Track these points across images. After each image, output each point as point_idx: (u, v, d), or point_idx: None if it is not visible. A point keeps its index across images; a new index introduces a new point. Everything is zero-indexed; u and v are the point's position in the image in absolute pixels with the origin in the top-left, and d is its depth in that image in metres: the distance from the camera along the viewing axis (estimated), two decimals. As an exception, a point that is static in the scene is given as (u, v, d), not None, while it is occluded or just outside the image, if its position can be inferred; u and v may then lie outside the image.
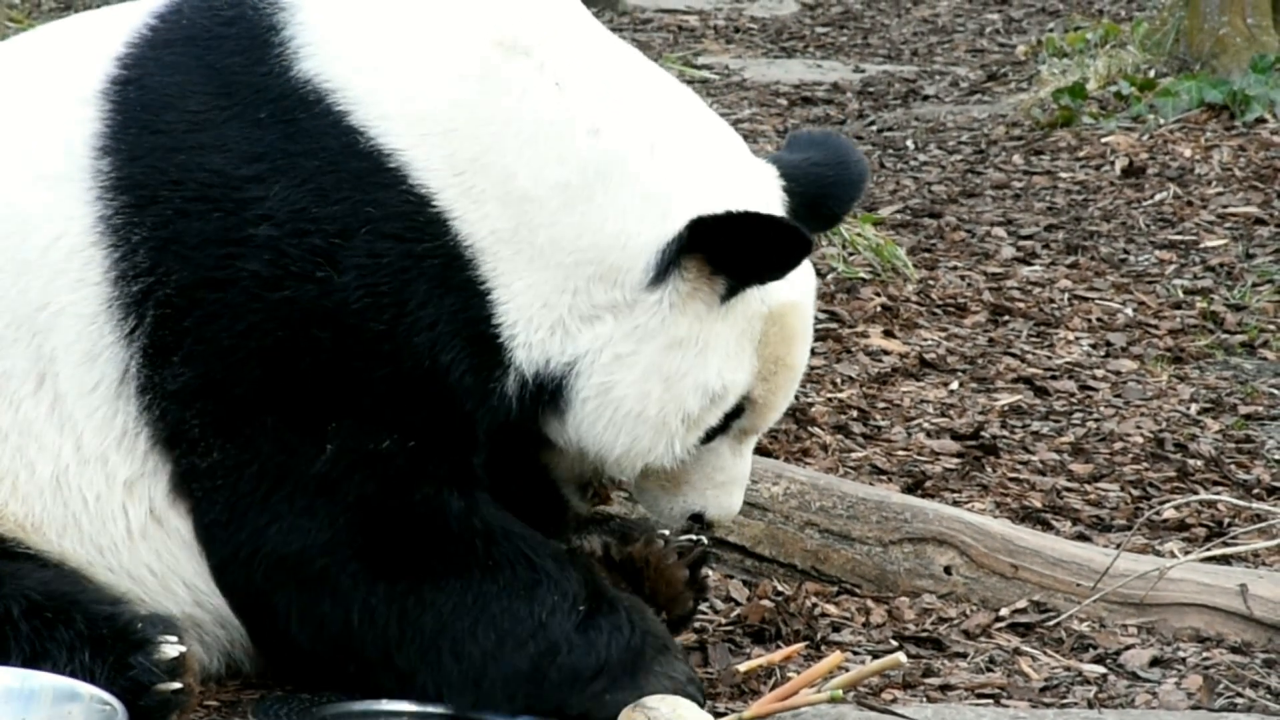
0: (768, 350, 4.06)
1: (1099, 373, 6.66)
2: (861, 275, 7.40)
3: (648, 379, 3.97)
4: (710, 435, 4.08)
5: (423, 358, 3.90)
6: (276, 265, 3.87)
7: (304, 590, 3.94)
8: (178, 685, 3.78)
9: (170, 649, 3.81)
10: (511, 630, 3.92)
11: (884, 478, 5.59)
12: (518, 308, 3.94)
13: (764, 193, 4.08)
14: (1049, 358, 6.78)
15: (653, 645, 3.97)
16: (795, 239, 3.89)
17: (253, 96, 3.93)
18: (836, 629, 4.62)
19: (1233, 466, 5.86)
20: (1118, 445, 5.98)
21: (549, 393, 3.98)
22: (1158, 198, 8.84)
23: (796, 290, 4.08)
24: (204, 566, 3.99)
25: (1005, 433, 6.05)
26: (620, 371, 3.96)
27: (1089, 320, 7.19)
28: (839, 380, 6.39)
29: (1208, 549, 5.08)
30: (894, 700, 4.21)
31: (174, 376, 3.91)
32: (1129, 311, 7.33)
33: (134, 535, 3.99)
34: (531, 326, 3.95)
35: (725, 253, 3.91)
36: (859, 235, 7.59)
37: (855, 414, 6.09)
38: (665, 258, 3.90)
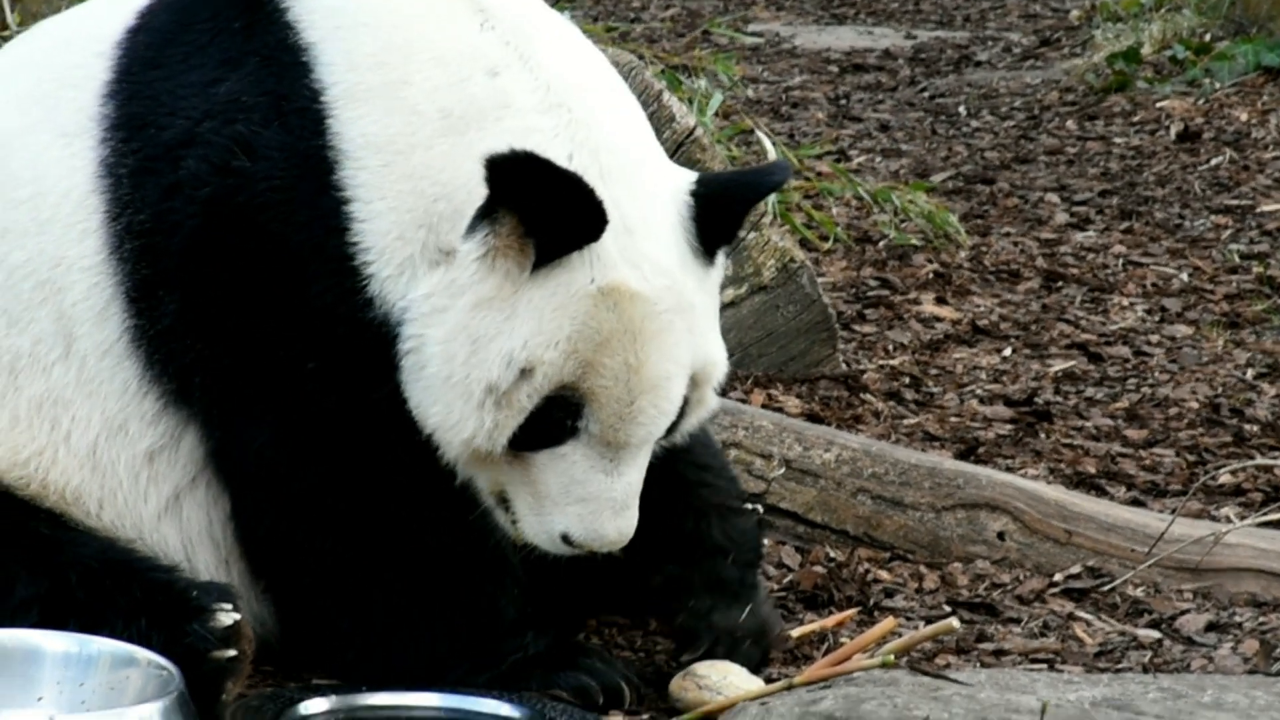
0: (614, 346, 3.76)
1: (1154, 338, 6.64)
2: (914, 242, 7.39)
3: (454, 338, 3.74)
4: (540, 430, 3.78)
5: (301, 263, 3.83)
6: (205, 160, 3.88)
7: (284, 497, 3.93)
8: (232, 653, 3.79)
9: (225, 617, 3.82)
10: (449, 618, 3.94)
11: (936, 444, 5.58)
12: (375, 231, 3.81)
13: (653, 180, 3.86)
14: (1103, 323, 6.76)
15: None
16: (586, 200, 3.66)
17: (232, 12, 3.98)
18: (889, 595, 4.62)
19: (1288, 431, 5.84)
20: (1173, 410, 5.96)
21: (389, 340, 3.81)
22: (1213, 162, 8.79)
23: (644, 282, 3.78)
24: (218, 557, 4.03)
25: (1059, 399, 6.03)
26: (433, 326, 3.76)
27: (1143, 286, 7.16)
28: (891, 347, 6.39)
29: (1264, 514, 5.06)
30: (947, 665, 4.21)
31: (162, 313, 3.92)
32: (1184, 276, 7.30)
33: (160, 517, 4.01)
34: (384, 258, 3.81)
35: (527, 206, 3.68)
36: (910, 202, 7.57)
37: (907, 380, 6.08)
38: (480, 207, 3.74)
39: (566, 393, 3.77)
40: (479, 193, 3.73)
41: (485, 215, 3.73)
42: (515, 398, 3.75)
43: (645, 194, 3.84)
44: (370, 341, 3.82)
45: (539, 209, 3.68)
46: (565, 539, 3.84)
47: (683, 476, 4.13)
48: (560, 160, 3.73)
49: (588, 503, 3.82)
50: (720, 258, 3.95)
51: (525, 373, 3.74)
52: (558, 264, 3.74)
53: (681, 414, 3.90)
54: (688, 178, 3.93)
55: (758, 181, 4.00)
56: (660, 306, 3.79)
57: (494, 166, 3.66)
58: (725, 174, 4.10)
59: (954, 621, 3.94)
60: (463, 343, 3.75)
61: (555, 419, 3.78)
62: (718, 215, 3.90)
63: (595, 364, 3.77)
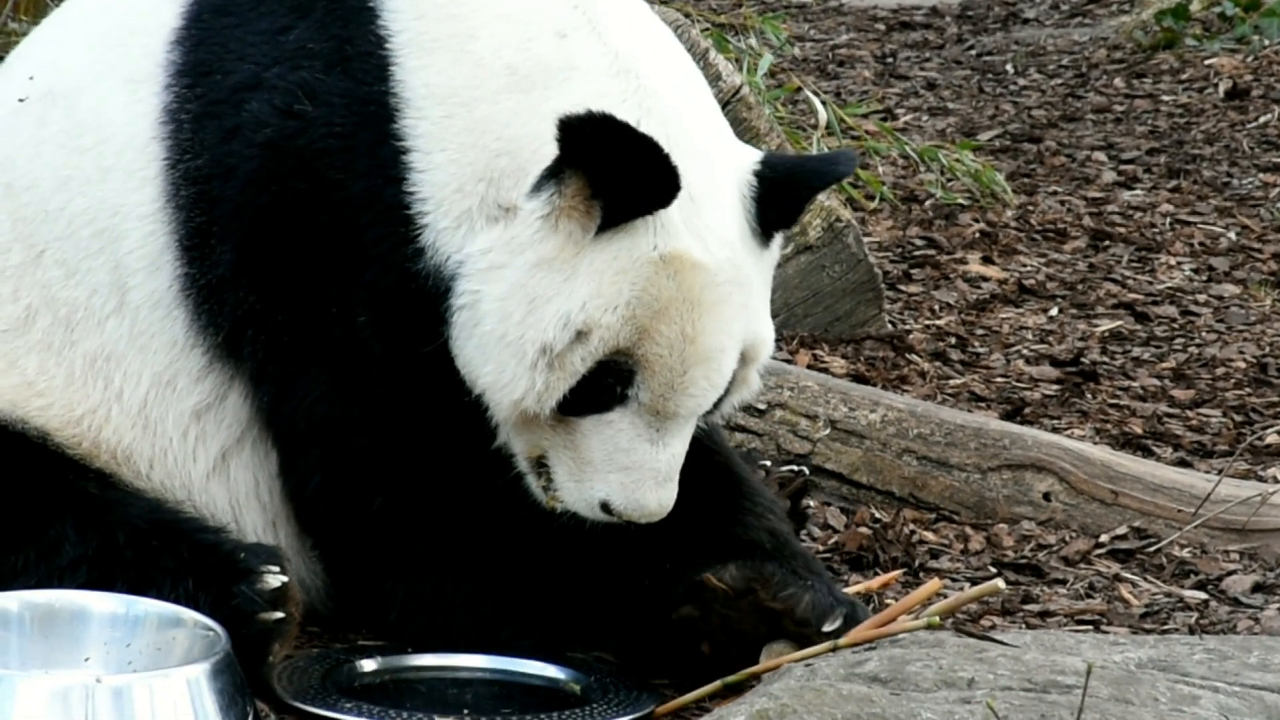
0: (671, 314, 3.73)
1: (1201, 298, 6.61)
2: (960, 201, 7.37)
3: (511, 297, 3.72)
4: (590, 395, 3.75)
5: (356, 211, 3.82)
6: (268, 103, 3.88)
7: (334, 458, 3.94)
8: (280, 615, 3.79)
9: (273, 579, 3.83)
10: (496, 581, 3.94)
11: (982, 405, 5.57)
12: (434, 182, 3.80)
13: (718, 154, 3.84)
14: (1150, 283, 6.74)
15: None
16: (662, 165, 3.63)
17: None
18: (935, 556, 4.62)
19: (1337, 391, 5.82)
20: (1219, 370, 5.94)
21: (440, 294, 3.79)
22: (1262, 120, 8.74)
23: (707, 252, 3.75)
24: (265, 519, 4.04)
25: (1105, 359, 6.02)
26: (490, 283, 3.74)
27: (1191, 245, 7.13)
28: (937, 307, 6.37)
29: (1311, 474, 5.05)
30: (993, 627, 4.21)
31: (215, 262, 3.92)
32: (1232, 235, 7.26)
33: (208, 478, 4.02)
34: (441, 209, 3.79)
35: (597, 168, 3.65)
36: (957, 161, 7.55)
37: (953, 341, 6.07)
38: (548, 166, 3.71)
39: (620, 358, 3.75)
40: (544, 151, 3.71)
41: (552, 175, 3.71)
42: (568, 360, 3.72)
43: (711, 166, 3.82)
44: (421, 294, 3.80)
45: (611, 171, 3.65)
46: (605, 507, 3.81)
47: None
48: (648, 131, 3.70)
49: (631, 471, 3.80)
50: (777, 240, 3.93)
51: (581, 335, 3.71)
52: (622, 228, 3.71)
53: (726, 390, 3.88)
54: (752, 156, 3.91)
55: (824, 170, 3.96)
56: (720, 278, 3.77)
57: (567, 127, 3.63)
58: (791, 158, 4.06)
59: (999, 582, 3.91)
60: (519, 301, 3.72)
61: (606, 385, 3.76)
62: (780, 199, 3.87)
63: (651, 331, 3.74)
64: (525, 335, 3.72)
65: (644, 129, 3.70)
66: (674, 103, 3.83)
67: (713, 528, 3.96)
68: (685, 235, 3.74)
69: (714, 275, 3.76)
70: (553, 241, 3.72)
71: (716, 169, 3.83)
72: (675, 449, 3.82)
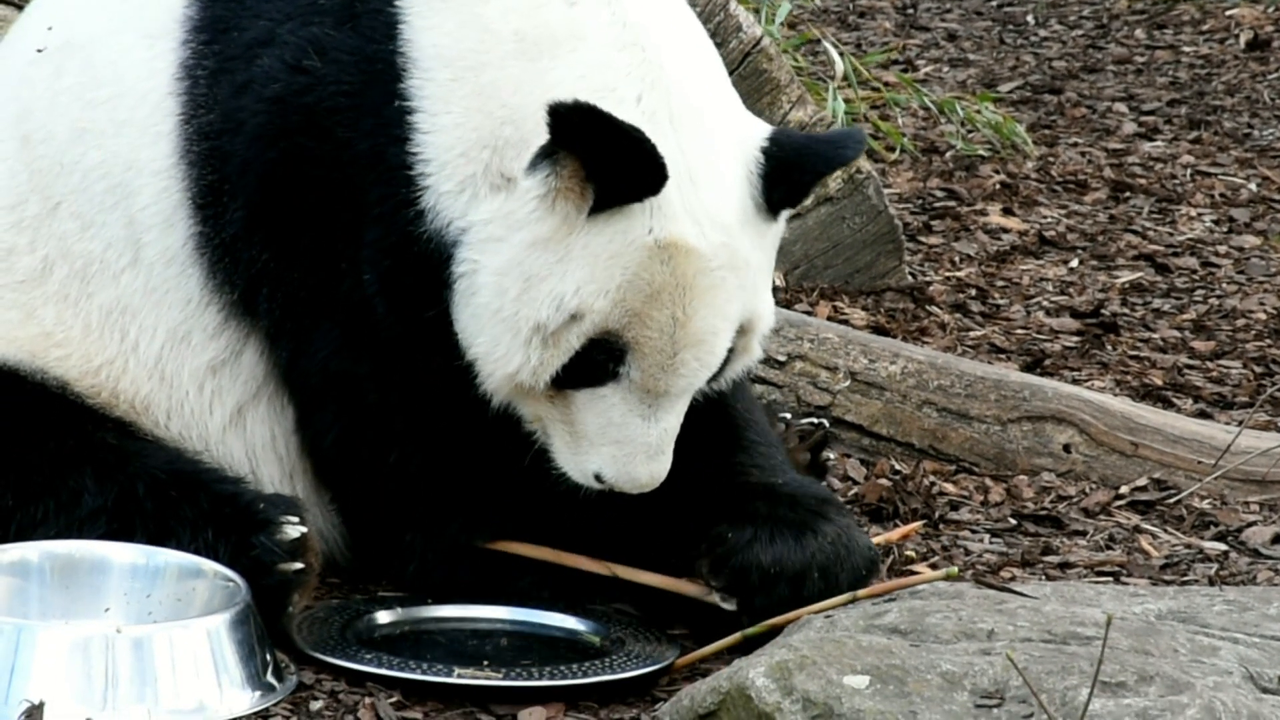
0: (663, 299, 3.72)
1: (1221, 249, 6.59)
2: (980, 152, 7.34)
3: (507, 273, 3.72)
4: (582, 370, 3.77)
5: (361, 170, 3.81)
6: (279, 58, 3.87)
7: (349, 413, 3.94)
8: (299, 565, 3.81)
9: (292, 530, 3.84)
10: (512, 534, 3.96)
11: (1002, 356, 5.56)
12: (438, 144, 3.79)
13: (723, 128, 3.81)
14: (1170, 234, 6.72)
15: None
16: (648, 157, 3.62)
17: None
18: (955, 507, 4.61)
19: (1358, 343, 5.80)
20: (1240, 322, 5.92)
21: (442, 260, 3.79)
22: (1283, 71, 8.71)
23: (702, 237, 3.73)
24: (283, 471, 4.04)
25: (1126, 310, 6.00)
26: (488, 255, 3.74)
27: (1211, 196, 7.11)
28: (957, 259, 6.36)
29: (1332, 426, 5.04)
30: (1012, 578, 4.21)
31: (228, 220, 3.91)
32: (1252, 187, 7.24)
33: (225, 430, 4.02)
34: (444, 173, 3.78)
35: (589, 154, 3.64)
36: (977, 112, 7.52)
37: (974, 292, 6.06)
38: (543, 146, 3.69)
39: (611, 338, 3.75)
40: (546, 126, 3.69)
41: (548, 155, 3.69)
42: (562, 339, 3.73)
43: (713, 143, 3.79)
44: (423, 257, 3.80)
45: (599, 160, 3.64)
46: (598, 478, 3.84)
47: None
48: (630, 101, 3.69)
49: (623, 445, 3.81)
50: (783, 214, 3.91)
51: (574, 317, 3.72)
52: (617, 211, 3.70)
53: (726, 361, 3.87)
54: (761, 131, 3.87)
55: (830, 154, 3.91)
56: (714, 263, 3.75)
57: (556, 115, 3.62)
58: (800, 137, 4.02)
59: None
60: (515, 278, 3.72)
61: (598, 361, 3.77)
62: (786, 179, 3.84)
63: (642, 315, 3.74)
64: (520, 313, 3.73)
65: (645, 104, 3.70)
66: (680, 77, 3.80)
67: (717, 484, 3.98)
68: (682, 219, 3.72)
69: (708, 260, 3.75)
70: (549, 222, 3.71)
71: (720, 146, 3.80)
72: (667, 424, 3.83)
